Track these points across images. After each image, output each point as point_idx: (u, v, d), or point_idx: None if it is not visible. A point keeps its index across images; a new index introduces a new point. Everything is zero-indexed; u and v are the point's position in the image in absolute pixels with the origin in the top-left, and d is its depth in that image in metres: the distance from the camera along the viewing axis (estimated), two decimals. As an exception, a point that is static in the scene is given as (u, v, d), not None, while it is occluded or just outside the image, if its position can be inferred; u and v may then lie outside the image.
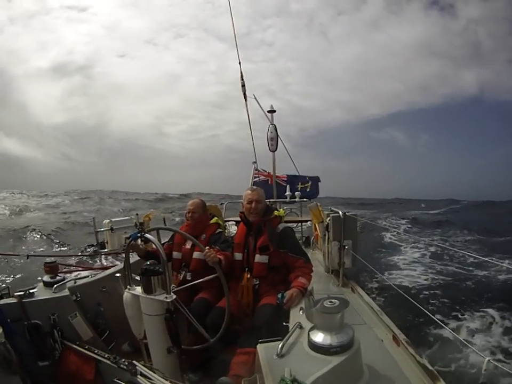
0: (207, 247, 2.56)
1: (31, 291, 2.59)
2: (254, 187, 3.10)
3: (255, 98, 6.26)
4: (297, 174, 7.20)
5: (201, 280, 2.57)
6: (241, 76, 6.00)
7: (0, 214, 25.31)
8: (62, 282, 2.78)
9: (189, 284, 2.64)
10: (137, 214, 5.07)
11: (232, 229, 5.45)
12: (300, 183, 6.96)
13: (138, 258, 3.13)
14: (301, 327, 1.83)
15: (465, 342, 2.04)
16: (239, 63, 5.82)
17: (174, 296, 2.23)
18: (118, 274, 2.59)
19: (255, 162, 7.16)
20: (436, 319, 2.31)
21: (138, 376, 1.78)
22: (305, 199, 6.51)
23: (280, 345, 1.61)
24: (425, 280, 8.66)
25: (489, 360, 1.49)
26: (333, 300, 1.60)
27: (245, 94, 6.11)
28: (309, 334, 1.63)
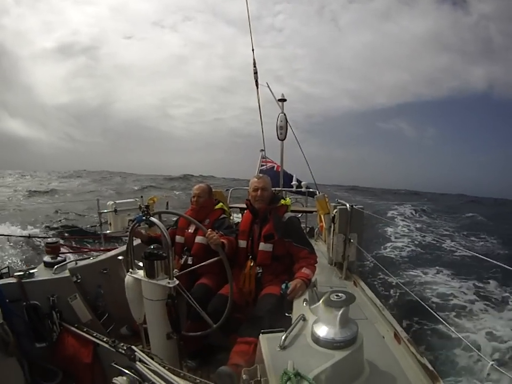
0: (209, 229, 2.53)
1: (31, 271, 2.57)
2: (261, 174, 3.05)
3: (268, 86, 6.20)
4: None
5: (204, 263, 2.54)
6: (254, 63, 5.93)
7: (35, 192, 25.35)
8: (62, 263, 2.75)
9: (191, 268, 2.61)
10: (141, 197, 5.04)
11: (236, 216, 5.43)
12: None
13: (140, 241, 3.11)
14: (304, 319, 1.79)
15: (470, 345, 1.99)
16: (252, 50, 5.76)
17: (177, 282, 2.20)
18: (120, 257, 2.56)
19: (262, 150, 7.12)
20: (442, 319, 2.26)
21: (137, 362, 1.76)
22: (311, 189, 6.49)
23: (283, 337, 1.57)
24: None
25: (492, 364, 1.44)
26: (339, 294, 1.55)
27: (256, 81, 6.04)
28: (312, 327, 1.59)
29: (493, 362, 1.42)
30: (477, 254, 2.41)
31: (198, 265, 2.58)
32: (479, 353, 1.84)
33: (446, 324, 2.26)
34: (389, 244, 13.29)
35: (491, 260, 2.06)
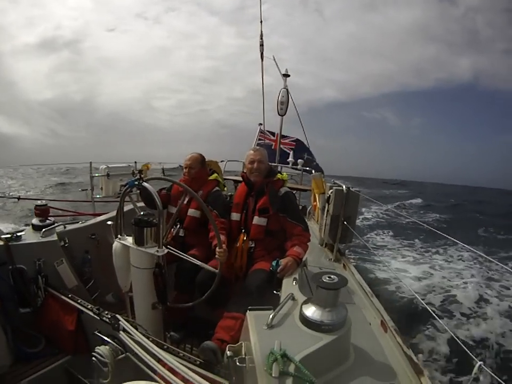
0: (224, 248, 2.35)
1: (18, 234, 2.51)
2: (257, 147, 2.95)
3: (274, 59, 6.13)
4: (307, 146, 7.11)
5: (203, 265, 2.37)
6: (261, 35, 5.97)
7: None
8: (51, 227, 2.70)
9: (189, 258, 2.44)
10: (135, 162, 4.93)
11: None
12: (306, 154, 6.88)
13: (132, 207, 3.05)
14: (293, 299, 1.76)
15: (459, 343, 1.96)
16: (261, 22, 5.82)
17: (166, 251, 2.15)
18: (109, 222, 2.50)
19: (261, 124, 7.00)
20: (433, 314, 2.23)
21: (121, 331, 1.73)
22: (307, 168, 6.41)
23: (271, 316, 1.53)
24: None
25: (481, 365, 1.42)
26: (331, 276, 1.51)
27: (262, 53, 6.05)
28: (301, 308, 1.55)
29: (481, 362, 1.39)
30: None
31: (198, 263, 2.39)
32: (468, 351, 1.81)
33: (439, 320, 2.25)
34: (361, 217, 17.26)
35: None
